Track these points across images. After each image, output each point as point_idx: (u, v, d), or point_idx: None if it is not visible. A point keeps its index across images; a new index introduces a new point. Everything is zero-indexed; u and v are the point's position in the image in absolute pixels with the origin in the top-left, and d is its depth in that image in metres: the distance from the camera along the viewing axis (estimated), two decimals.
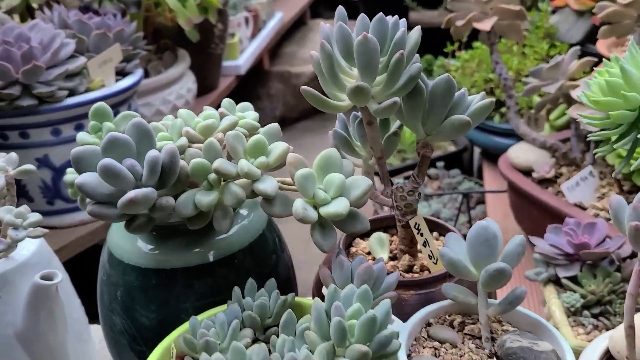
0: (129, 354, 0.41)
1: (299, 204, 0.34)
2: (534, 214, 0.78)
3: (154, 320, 0.40)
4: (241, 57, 1.54)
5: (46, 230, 0.46)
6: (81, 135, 0.45)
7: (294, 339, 0.29)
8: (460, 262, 0.36)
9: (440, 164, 1.23)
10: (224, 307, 0.37)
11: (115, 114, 0.80)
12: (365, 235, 0.49)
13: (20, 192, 0.74)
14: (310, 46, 2.16)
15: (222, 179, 0.37)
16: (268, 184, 0.36)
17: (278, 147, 0.37)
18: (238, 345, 0.28)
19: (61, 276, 0.45)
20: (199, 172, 0.37)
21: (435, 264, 0.44)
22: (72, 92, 0.72)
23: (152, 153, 0.35)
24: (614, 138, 0.39)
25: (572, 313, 0.56)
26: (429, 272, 0.43)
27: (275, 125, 0.39)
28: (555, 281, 0.60)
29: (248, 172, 0.36)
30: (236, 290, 0.37)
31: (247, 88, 1.92)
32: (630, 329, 0.33)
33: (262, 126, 0.41)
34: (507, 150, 0.82)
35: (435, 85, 0.39)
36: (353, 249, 0.47)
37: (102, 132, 0.46)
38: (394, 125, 0.45)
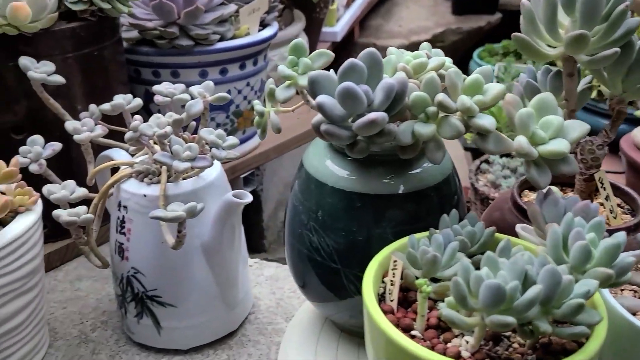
0: (321, 269, 0.45)
1: (524, 140, 0.36)
2: None
3: (350, 240, 0.43)
4: (337, 25, 1.55)
5: (238, 154, 0.50)
6: (282, 68, 0.48)
7: (544, 256, 0.32)
8: None
9: None
10: (425, 233, 0.40)
11: (254, 63, 0.84)
12: (534, 189, 0.50)
13: None
14: (396, 20, 2.15)
15: (439, 113, 0.39)
16: (486, 120, 0.38)
17: (494, 88, 0.39)
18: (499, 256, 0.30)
19: (251, 197, 0.49)
20: (418, 105, 0.39)
21: (615, 218, 0.45)
22: (221, 37, 0.76)
23: (388, 80, 0.37)
24: None
25: None
26: (608, 225, 0.45)
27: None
28: None
29: (469, 107, 0.38)
30: (445, 217, 0.40)
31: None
32: None
33: None
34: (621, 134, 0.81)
35: None
36: (524, 199, 0.49)
37: (299, 67, 0.49)
38: (582, 80, 0.46)
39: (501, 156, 1.24)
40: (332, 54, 0.49)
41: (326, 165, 0.45)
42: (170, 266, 0.51)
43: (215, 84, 0.77)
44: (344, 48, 1.89)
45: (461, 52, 2.15)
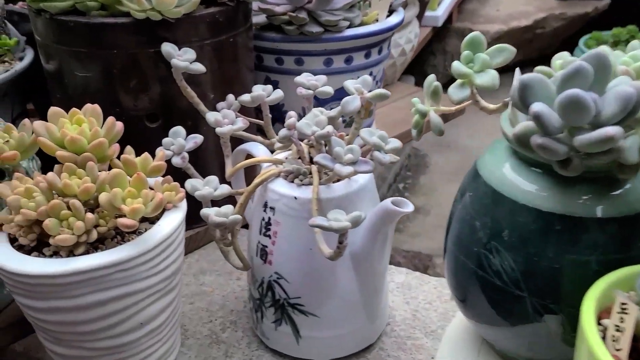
0: (498, 294, 0.40)
1: None
2: None
3: (544, 266, 0.37)
4: (439, 9, 1.47)
5: (398, 157, 0.45)
6: (456, 65, 0.43)
7: None
8: None
9: None
10: (636, 267, 0.34)
11: (379, 51, 0.78)
12: None
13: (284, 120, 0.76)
14: (493, 4, 2.03)
15: None
16: None
17: None
18: None
19: (412, 207, 0.44)
20: None
21: None
22: (350, 24, 0.71)
23: (626, 89, 0.31)
24: None
25: None
26: None
27: None
28: None
29: None
30: None
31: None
32: None
33: None
34: None
35: None
36: None
37: (474, 63, 0.43)
38: None
39: None
40: (514, 49, 0.44)
41: (509, 178, 0.40)
42: (317, 274, 0.47)
43: (339, 73, 0.74)
44: (439, 33, 1.81)
45: (562, 39, 2.00)
